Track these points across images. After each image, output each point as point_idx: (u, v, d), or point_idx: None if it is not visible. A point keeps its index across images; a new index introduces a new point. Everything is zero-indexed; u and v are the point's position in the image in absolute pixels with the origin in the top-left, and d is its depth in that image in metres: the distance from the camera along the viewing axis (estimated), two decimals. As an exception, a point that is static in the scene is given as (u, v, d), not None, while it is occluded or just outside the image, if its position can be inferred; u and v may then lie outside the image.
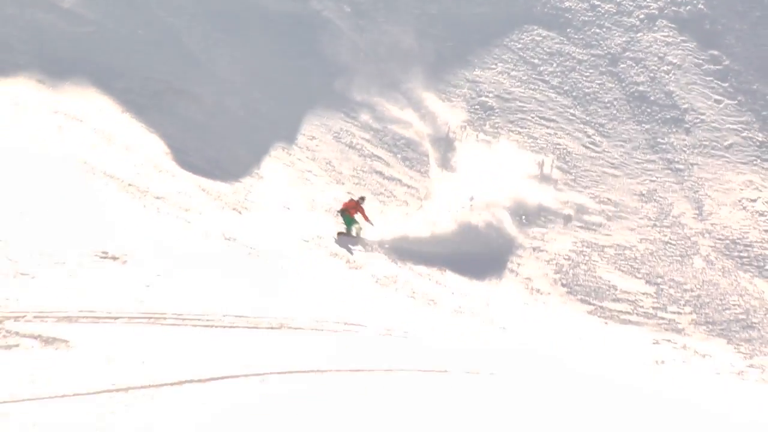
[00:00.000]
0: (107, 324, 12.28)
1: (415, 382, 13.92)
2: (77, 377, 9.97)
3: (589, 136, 39.69)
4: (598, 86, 42.04)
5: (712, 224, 35.74)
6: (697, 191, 37.39)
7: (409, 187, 35.40)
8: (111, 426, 8.81)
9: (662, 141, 39.85)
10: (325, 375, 12.78)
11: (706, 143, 39.68)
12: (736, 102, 41.47)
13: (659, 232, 35.27)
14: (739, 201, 36.85)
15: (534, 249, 33.29)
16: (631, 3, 45.42)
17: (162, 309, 13.69)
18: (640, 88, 42.06)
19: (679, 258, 33.94)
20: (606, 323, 30.10)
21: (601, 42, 43.92)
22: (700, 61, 43.06)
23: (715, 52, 43.38)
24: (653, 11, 45.01)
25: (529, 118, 40.08)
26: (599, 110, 40.99)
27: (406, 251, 30.08)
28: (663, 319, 30.85)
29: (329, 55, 40.19)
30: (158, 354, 11.50)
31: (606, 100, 41.48)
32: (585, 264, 32.99)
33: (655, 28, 44.44)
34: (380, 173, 35.45)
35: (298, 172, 33.40)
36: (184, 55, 36.61)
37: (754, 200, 36.88)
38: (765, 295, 32.27)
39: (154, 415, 9.32)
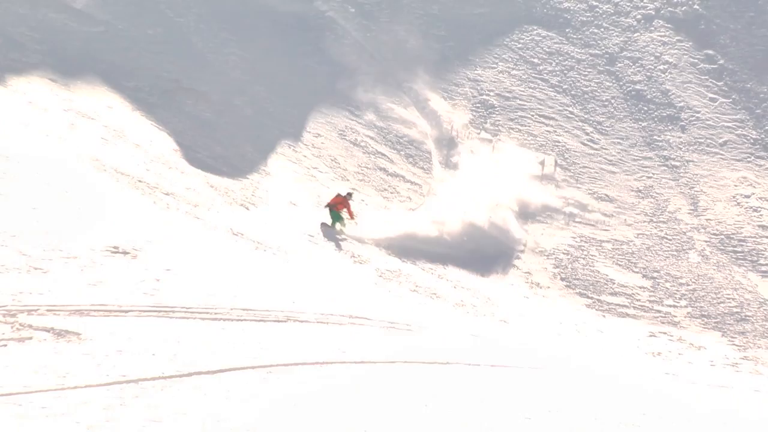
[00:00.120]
0: (118, 317, 12.27)
1: (417, 374, 13.91)
2: (89, 369, 9.96)
3: (587, 134, 39.65)
4: (596, 85, 41.97)
5: (707, 220, 35.71)
6: (693, 187, 37.34)
7: (412, 183, 35.41)
8: (122, 416, 8.80)
9: (659, 138, 39.79)
10: (330, 367, 12.76)
11: (702, 140, 39.61)
12: (730, 100, 41.38)
13: (656, 228, 35.25)
14: (734, 197, 36.80)
15: (534, 244, 33.30)
16: (628, 4, 45.31)
17: (171, 302, 13.68)
18: (637, 86, 41.99)
19: (675, 253, 33.91)
20: (604, 316, 30.09)
21: (599, 42, 43.83)
22: (696, 61, 42.95)
23: (710, 52, 43.27)
24: (650, 12, 44.89)
25: (529, 116, 40.06)
26: (597, 108, 40.94)
27: (411, 249, 30.03)
28: (659, 312, 30.83)
29: (334, 54, 40.20)
30: (168, 346, 11.48)
31: (604, 99, 41.42)
32: (583, 258, 32.98)
33: (652, 29, 44.34)
34: (384, 170, 35.45)
35: (304, 168, 33.39)
36: (192, 54, 36.60)
37: (748, 196, 36.81)
38: (758, 288, 32.24)
39: (163, 406, 9.31)
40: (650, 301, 31.30)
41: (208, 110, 33.88)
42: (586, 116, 40.57)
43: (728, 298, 31.63)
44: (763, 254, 33.97)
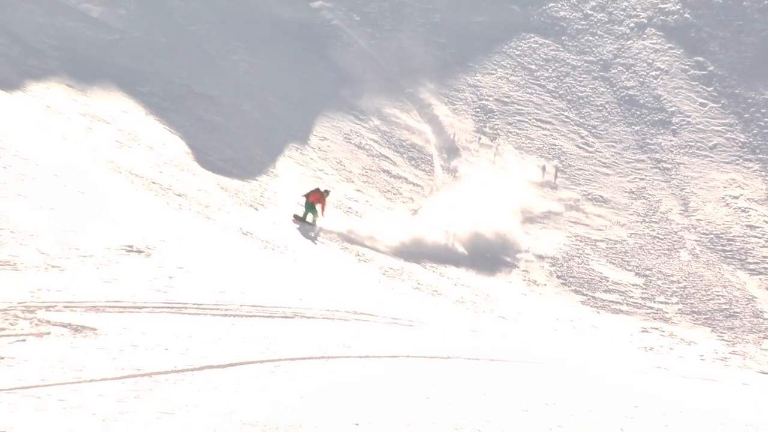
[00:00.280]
0: (132, 313, 12.26)
1: (419, 368, 13.89)
2: (104, 363, 9.95)
3: (582, 137, 39.63)
4: (591, 90, 41.95)
5: (697, 220, 35.68)
6: (684, 189, 37.32)
7: (414, 185, 35.41)
8: (136, 408, 8.80)
9: (651, 142, 39.77)
10: (336, 361, 12.75)
11: (692, 144, 39.59)
12: (719, 105, 41.36)
13: (648, 227, 35.23)
14: (723, 198, 36.78)
15: (531, 244, 33.26)
16: (621, 12, 45.29)
17: (183, 299, 13.67)
18: (630, 92, 41.97)
19: (667, 251, 33.88)
20: (598, 312, 30.05)
21: (594, 49, 43.82)
22: (686, 67, 42.94)
23: (700, 59, 43.26)
24: (642, 20, 44.88)
25: (527, 120, 40.04)
26: (592, 113, 40.92)
27: (417, 253, 29.82)
28: (651, 308, 30.79)
29: (339, 60, 40.23)
30: (180, 341, 11.47)
31: (598, 104, 41.40)
32: (578, 257, 32.95)
33: (644, 36, 44.33)
34: (387, 172, 35.44)
35: (310, 170, 33.40)
36: (204, 61, 36.63)
37: (737, 197, 36.79)
38: (747, 286, 32.20)
39: (176, 399, 9.30)
40: (643, 298, 31.26)
41: (218, 114, 33.89)
42: (581, 120, 40.55)
43: (717, 295, 31.58)
44: (751, 253, 33.94)
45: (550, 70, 42.74)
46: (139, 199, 22.15)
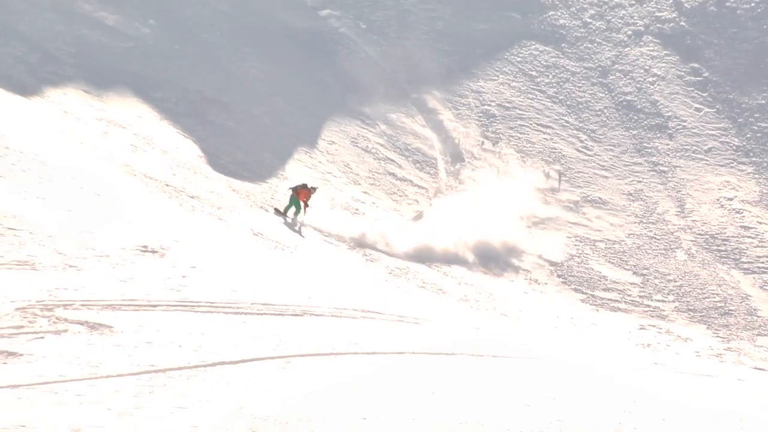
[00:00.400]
0: (147, 311, 12.26)
1: (424, 364, 13.87)
2: (120, 359, 9.95)
3: (581, 141, 39.57)
4: (590, 96, 41.89)
5: (693, 221, 35.62)
6: (680, 191, 37.25)
7: (419, 187, 35.38)
8: (150, 403, 8.79)
9: (648, 145, 39.70)
10: (344, 357, 12.74)
11: (688, 147, 39.52)
12: (714, 110, 41.27)
13: (645, 228, 35.17)
14: (718, 200, 36.71)
15: (535, 246, 33.20)
16: (619, 21, 45.21)
17: (196, 297, 13.67)
18: (628, 97, 41.90)
19: (663, 251, 33.82)
20: (597, 310, 30.00)
21: (593, 56, 43.75)
22: (682, 73, 42.85)
23: (696, 65, 43.16)
24: (639, 28, 44.79)
25: (528, 124, 40.00)
26: (591, 117, 40.86)
27: (427, 258, 29.63)
28: (648, 306, 30.73)
29: (346, 67, 40.22)
30: (193, 338, 11.47)
31: (597, 109, 41.33)
32: (578, 257, 32.90)
33: (641, 43, 44.25)
34: (393, 174, 35.43)
35: (319, 173, 33.39)
36: (216, 68, 36.64)
37: (731, 199, 36.72)
38: (741, 284, 32.15)
39: (189, 394, 9.29)
40: (640, 296, 31.20)
41: (230, 119, 33.89)
42: (580, 125, 40.49)
43: (713, 294, 31.52)
44: (745, 253, 33.87)
45: (551, 76, 42.68)
46: (153, 201, 22.15)
